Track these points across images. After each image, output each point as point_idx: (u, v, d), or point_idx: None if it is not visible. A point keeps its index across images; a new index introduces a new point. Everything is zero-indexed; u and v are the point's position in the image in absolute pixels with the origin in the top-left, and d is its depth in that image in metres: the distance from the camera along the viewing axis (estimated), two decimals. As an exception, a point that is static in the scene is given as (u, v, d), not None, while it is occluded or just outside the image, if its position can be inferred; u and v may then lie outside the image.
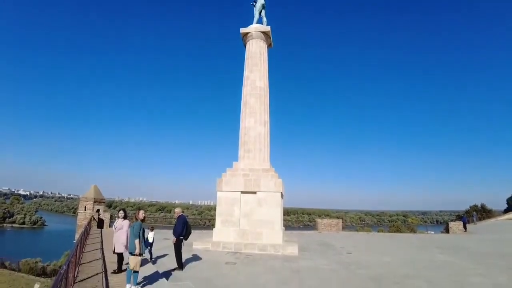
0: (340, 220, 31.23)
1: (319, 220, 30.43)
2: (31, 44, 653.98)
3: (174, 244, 10.66)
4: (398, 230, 33.35)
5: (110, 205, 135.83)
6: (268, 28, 19.70)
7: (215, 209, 17.21)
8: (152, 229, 12.88)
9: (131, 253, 7.74)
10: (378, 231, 33.08)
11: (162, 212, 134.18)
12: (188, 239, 11.37)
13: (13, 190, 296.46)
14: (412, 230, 32.94)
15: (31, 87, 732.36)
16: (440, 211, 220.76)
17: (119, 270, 9.24)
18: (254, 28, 19.65)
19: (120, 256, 9.19)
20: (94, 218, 24.43)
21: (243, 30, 19.84)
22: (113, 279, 8.53)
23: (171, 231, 11.42)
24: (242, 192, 16.55)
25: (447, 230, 28.96)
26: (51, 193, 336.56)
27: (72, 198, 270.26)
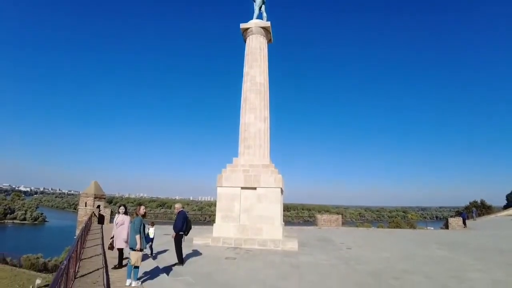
0: (340, 215, 31.33)
1: (319, 216, 30.52)
2: (32, 43, 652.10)
3: (174, 239, 10.71)
4: (398, 226, 33.51)
5: (110, 201, 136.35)
6: (268, 24, 19.61)
7: (215, 205, 17.26)
8: (152, 225, 12.95)
9: (132, 249, 7.77)
10: (377, 227, 33.27)
11: (162, 208, 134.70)
12: (189, 234, 11.41)
13: (13, 186, 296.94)
14: (412, 226, 33.14)
15: (31, 85, 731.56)
16: (440, 207, 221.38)
17: (120, 265, 9.28)
18: (254, 23, 19.56)
19: (121, 252, 9.23)
20: (94, 214, 24.52)
21: (243, 25, 19.75)
22: (114, 274, 8.58)
23: (171, 227, 11.47)
24: (242, 188, 16.59)
25: (446, 226, 29.07)
26: (51, 189, 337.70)
27: (72, 194, 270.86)
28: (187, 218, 11.05)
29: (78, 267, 9.04)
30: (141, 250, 7.81)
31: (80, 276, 8.20)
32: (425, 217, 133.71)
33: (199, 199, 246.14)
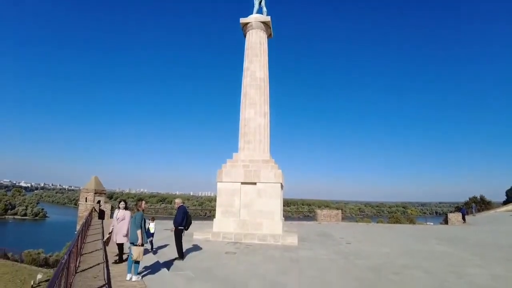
0: (340, 211, 31.38)
1: (318, 211, 30.57)
2: (32, 39, 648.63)
3: (174, 234, 10.73)
4: (398, 221, 33.51)
5: (111, 196, 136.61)
6: (268, 18, 19.48)
7: (215, 200, 17.29)
8: (153, 220, 12.98)
9: (133, 244, 7.77)
10: (377, 222, 33.27)
11: (163, 203, 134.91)
12: (189, 229, 11.43)
13: (14, 182, 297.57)
14: (412, 221, 33.14)
15: (32, 81, 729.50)
16: (440, 203, 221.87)
17: (120, 260, 9.31)
18: (254, 18, 19.43)
19: (121, 247, 9.25)
20: (95, 209, 24.57)
21: (243, 20, 19.63)
22: (114, 269, 8.61)
23: (171, 222, 11.49)
24: (242, 183, 16.60)
25: (446, 222, 29.11)
26: (52, 185, 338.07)
27: (73, 190, 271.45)
28: (187, 213, 11.06)
29: (79, 262, 9.08)
30: (142, 245, 7.82)
31: (81, 271, 8.22)
32: (424, 213, 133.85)
33: (199, 194, 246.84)
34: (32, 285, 25.47)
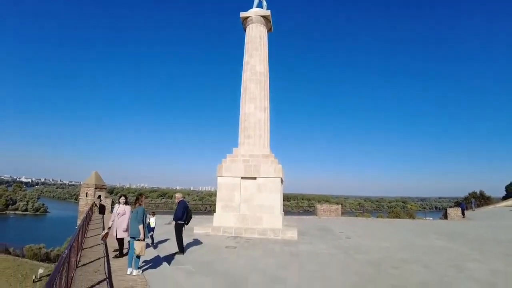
0: (340, 205, 31.48)
1: (318, 206, 30.67)
2: (32, 36, 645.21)
3: (175, 228, 10.76)
4: (397, 216, 33.59)
5: (111, 191, 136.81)
6: (268, 12, 19.35)
7: (215, 195, 17.33)
8: (153, 215, 13.01)
9: (134, 238, 7.80)
10: (377, 217, 33.33)
11: (163, 198, 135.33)
12: (189, 224, 11.46)
13: (15, 177, 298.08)
14: (411, 216, 33.19)
15: (32, 77, 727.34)
16: (439, 198, 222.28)
17: (121, 254, 9.35)
18: (254, 12, 19.30)
19: (121, 241, 9.28)
20: (95, 204, 24.64)
21: (242, 14, 19.50)
22: (115, 263, 8.64)
23: (172, 217, 11.52)
24: (242, 178, 16.61)
25: (445, 217, 29.19)
26: (52, 180, 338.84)
27: (73, 185, 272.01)
28: (188, 208, 11.08)
29: (80, 257, 9.12)
30: (144, 239, 7.86)
31: (81, 265, 8.26)
32: (424, 208, 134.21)
33: (200, 189, 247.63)
34: (33, 280, 25.61)
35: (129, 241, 8.14)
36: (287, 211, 29.50)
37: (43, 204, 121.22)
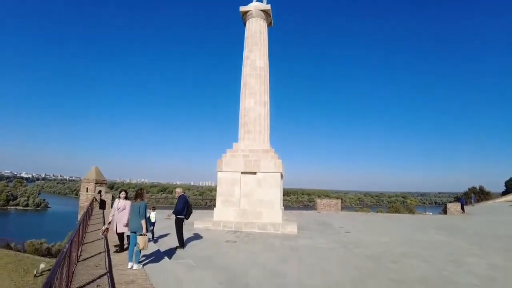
0: (339, 200, 31.55)
1: (318, 201, 30.75)
2: (32, 33, 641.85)
3: (175, 223, 10.79)
4: (397, 211, 33.73)
5: (112, 186, 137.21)
6: (268, 6, 19.20)
7: (216, 190, 17.36)
8: (153, 209, 13.04)
9: (135, 232, 7.82)
10: (377, 212, 33.48)
11: (163, 193, 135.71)
12: (189, 218, 11.48)
13: (15, 173, 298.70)
14: (411, 211, 33.32)
15: (32, 73, 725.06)
16: (439, 193, 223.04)
17: (121, 249, 9.38)
18: (254, 6, 19.15)
19: (121, 236, 9.31)
20: (96, 199, 24.71)
21: (242, 8, 19.36)
22: (115, 258, 8.67)
23: (172, 211, 11.54)
24: (242, 173, 16.63)
25: (445, 212, 29.24)
26: (53, 175, 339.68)
27: (74, 180, 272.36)
28: (188, 202, 11.08)
29: (81, 251, 9.16)
30: (146, 234, 7.93)
31: (82, 260, 8.29)
32: (424, 203, 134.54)
33: (200, 184, 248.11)
34: (35, 275, 25.74)
35: (128, 236, 8.16)
36: (287, 206, 29.61)
37: (44, 200, 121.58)
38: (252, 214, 15.96)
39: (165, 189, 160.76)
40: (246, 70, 18.47)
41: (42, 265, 26.78)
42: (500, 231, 17.70)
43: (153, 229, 12.43)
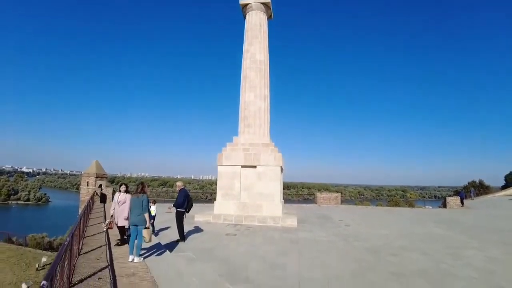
0: (339, 194, 31.64)
1: (318, 194, 30.83)
2: (32, 30, 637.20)
3: (176, 216, 10.84)
4: (397, 204, 33.80)
5: (112, 180, 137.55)
6: (268, -1, 19.01)
7: (216, 183, 17.40)
8: (154, 203, 13.08)
9: (136, 226, 7.86)
10: (376, 205, 33.55)
11: (164, 187, 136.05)
12: (190, 212, 11.53)
13: (16, 167, 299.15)
14: (411, 205, 33.38)
15: (33, 68, 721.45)
16: (439, 187, 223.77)
17: (122, 242, 9.44)
18: (254, -1, 18.95)
19: (122, 229, 9.36)
20: (96, 193, 24.78)
21: (242, 1, 19.16)
22: (116, 251, 8.73)
23: (172, 204, 11.58)
24: (242, 166, 16.64)
25: (444, 205, 29.33)
26: (53, 170, 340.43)
27: (74, 175, 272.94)
28: (189, 196, 11.12)
29: (82, 245, 9.21)
30: (149, 227, 8.02)
31: (83, 253, 8.35)
32: (424, 196, 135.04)
33: (201, 178, 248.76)
34: (37, 268, 25.90)
35: (128, 228, 8.22)
36: (287, 199, 29.69)
37: (45, 194, 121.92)
38: (252, 208, 16.02)
39: (166, 183, 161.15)
40: (246, 63, 18.37)
41: (43, 259, 26.93)
42: (499, 224, 17.77)
43: (153, 222, 12.48)
